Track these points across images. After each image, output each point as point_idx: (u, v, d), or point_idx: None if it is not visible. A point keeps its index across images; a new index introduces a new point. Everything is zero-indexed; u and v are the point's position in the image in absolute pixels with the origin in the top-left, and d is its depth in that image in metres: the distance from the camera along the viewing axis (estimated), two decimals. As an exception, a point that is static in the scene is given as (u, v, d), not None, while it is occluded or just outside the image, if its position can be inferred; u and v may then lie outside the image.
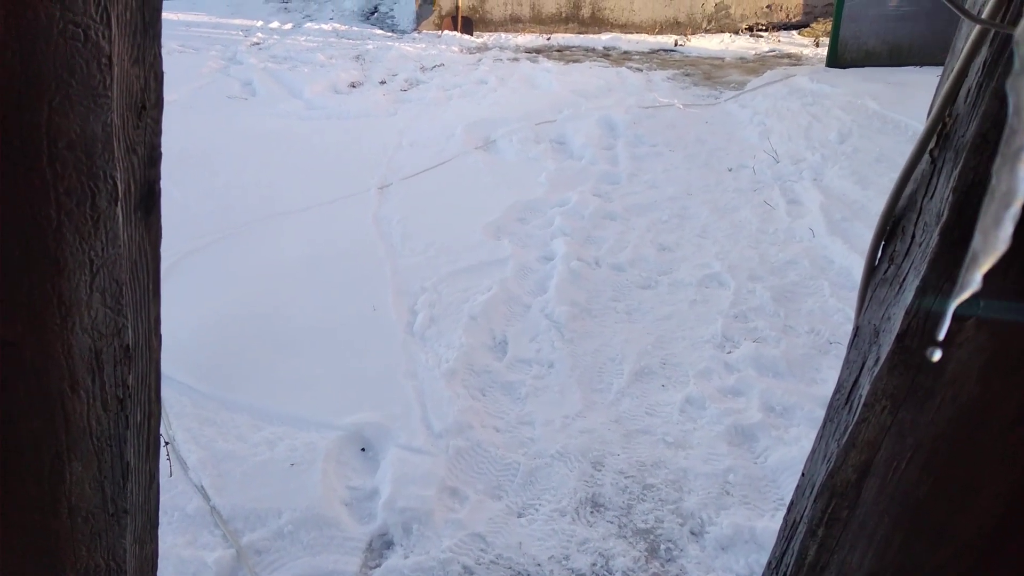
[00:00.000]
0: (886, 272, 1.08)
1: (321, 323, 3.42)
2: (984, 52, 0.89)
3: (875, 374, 1.03)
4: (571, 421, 2.86)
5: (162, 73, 0.90)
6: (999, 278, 0.87)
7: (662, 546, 2.36)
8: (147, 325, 0.93)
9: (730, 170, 5.38)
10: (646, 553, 2.33)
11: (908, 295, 0.98)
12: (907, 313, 0.97)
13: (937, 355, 0.89)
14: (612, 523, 2.44)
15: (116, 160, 0.82)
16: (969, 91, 0.92)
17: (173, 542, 2.23)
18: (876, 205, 4.40)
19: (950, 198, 0.91)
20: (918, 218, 1.01)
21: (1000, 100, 0.84)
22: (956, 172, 0.91)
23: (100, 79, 0.78)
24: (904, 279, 1.01)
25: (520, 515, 2.46)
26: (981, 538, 1.01)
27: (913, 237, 1.02)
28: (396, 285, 3.74)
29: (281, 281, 3.77)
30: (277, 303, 3.57)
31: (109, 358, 0.86)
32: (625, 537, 2.39)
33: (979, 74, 0.90)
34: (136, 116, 0.86)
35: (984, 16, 0.87)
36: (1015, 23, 0.82)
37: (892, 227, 1.09)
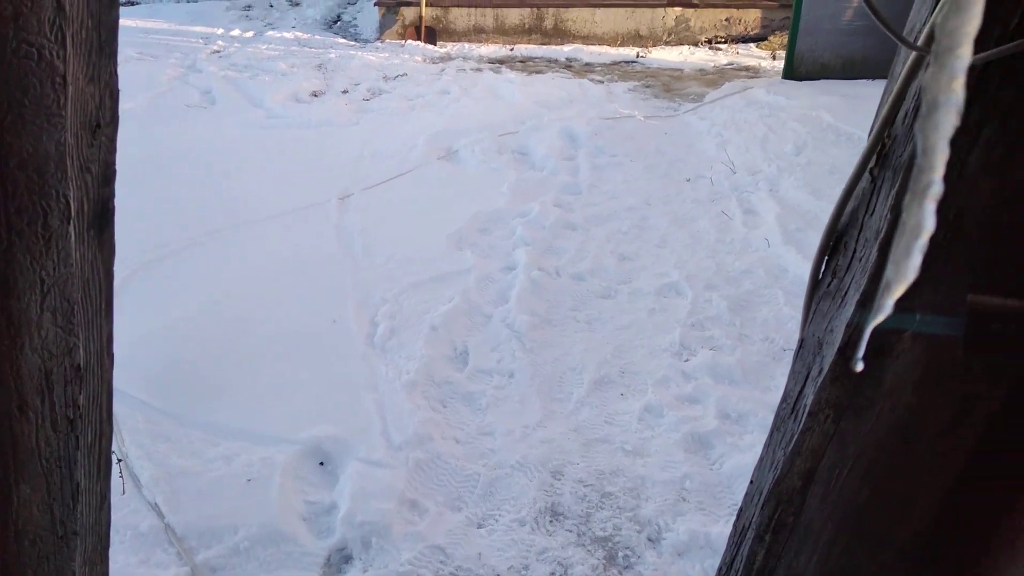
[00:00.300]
0: (829, 285, 1.12)
1: (280, 335, 3.39)
2: (920, 77, 0.93)
3: (819, 384, 1.06)
4: (531, 431, 2.87)
5: (118, 91, 0.90)
6: (930, 293, 0.91)
7: (620, 553, 2.38)
8: (99, 344, 0.93)
9: (688, 181, 5.47)
10: (604, 561, 2.35)
11: (849, 308, 1.01)
12: (848, 326, 1.01)
13: (860, 366, 0.93)
14: (571, 532, 2.46)
15: (69, 179, 0.81)
16: (907, 114, 0.96)
17: (126, 561, 2.19)
18: (829, 216, 4.50)
19: (888, 216, 0.95)
20: (859, 234, 1.05)
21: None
22: (894, 191, 0.95)
23: (54, 98, 0.78)
24: (846, 293, 1.05)
25: (480, 526, 2.46)
26: (919, 543, 1.05)
27: (854, 252, 1.06)
28: (357, 296, 3.73)
29: (239, 293, 3.73)
30: (235, 315, 3.53)
31: (59, 378, 0.85)
32: (584, 545, 2.41)
33: (915, 98, 0.94)
34: (90, 135, 0.85)
35: (920, 43, 0.91)
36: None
37: (835, 242, 1.13)
